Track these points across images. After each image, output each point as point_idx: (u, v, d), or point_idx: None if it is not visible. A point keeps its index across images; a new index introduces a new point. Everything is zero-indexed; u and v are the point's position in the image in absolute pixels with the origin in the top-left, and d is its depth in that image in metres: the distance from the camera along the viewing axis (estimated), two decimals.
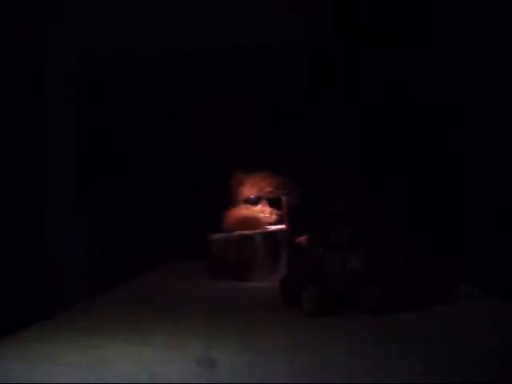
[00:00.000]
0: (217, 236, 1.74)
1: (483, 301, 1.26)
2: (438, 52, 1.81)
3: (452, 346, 0.94)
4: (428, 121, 1.82)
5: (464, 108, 1.72)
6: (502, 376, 0.81)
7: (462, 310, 1.18)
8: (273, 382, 0.82)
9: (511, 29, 1.57)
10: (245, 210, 1.79)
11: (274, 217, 1.77)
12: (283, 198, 1.77)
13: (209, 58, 2.02)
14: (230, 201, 1.83)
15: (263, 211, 1.78)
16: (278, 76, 2.02)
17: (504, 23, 1.60)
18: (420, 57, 1.85)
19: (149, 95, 2.04)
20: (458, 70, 1.75)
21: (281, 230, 1.75)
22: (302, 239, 1.53)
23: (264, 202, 1.78)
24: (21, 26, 1.54)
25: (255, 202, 1.78)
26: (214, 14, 1.94)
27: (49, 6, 1.65)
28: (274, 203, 1.79)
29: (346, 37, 1.95)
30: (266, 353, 0.94)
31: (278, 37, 1.97)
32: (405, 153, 1.83)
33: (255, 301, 1.38)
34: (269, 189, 1.79)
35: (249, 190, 1.80)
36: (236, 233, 1.74)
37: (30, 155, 1.49)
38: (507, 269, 1.42)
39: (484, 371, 0.82)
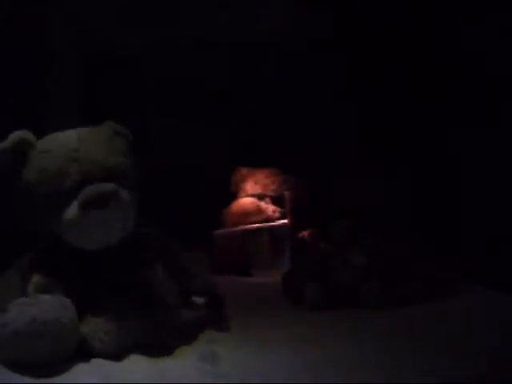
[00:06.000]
0: (220, 231, 1.75)
1: (485, 296, 1.26)
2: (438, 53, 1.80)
3: (452, 344, 0.95)
4: (428, 120, 1.82)
5: (463, 107, 1.72)
6: (501, 375, 0.81)
7: (463, 307, 1.18)
8: (273, 378, 0.82)
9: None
10: (247, 201, 1.79)
11: (277, 214, 1.77)
12: (286, 194, 1.78)
13: (208, 54, 2.01)
14: (232, 197, 1.83)
15: (266, 209, 1.78)
16: (281, 73, 2.02)
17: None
18: (420, 56, 1.84)
19: (150, 90, 2.04)
20: (457, 70, 1.74)
21: (283, 225, 1.75)
22: (305, 234, 1.53)
23: (267, 199, 1.78)
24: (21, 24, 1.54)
25: (258, 199, 1.78)
26: (214, 10, 1.93)
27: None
28: (277, 201, 1.79)
29: (347, 36, 1.95)
30: (267, 348, 0.94)
31: (280, 35, 1.96)
32: (405, 152, 1.83)
33: (257, 295, 1.39)
34: (273, 186, 1.79)
35: (252, 187, 1.80)
36: (239, 228, 1.74)
37: None
38: (509, 264, 1.42)
39: (484, 370, 0.82)
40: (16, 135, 0.96)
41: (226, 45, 1.99)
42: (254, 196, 1.79)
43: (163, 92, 2.02)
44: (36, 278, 0.91)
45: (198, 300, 1.05)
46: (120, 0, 1.86)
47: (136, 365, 0.83)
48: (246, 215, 1.77)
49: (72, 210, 0.88)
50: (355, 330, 1.06)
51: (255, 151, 1.95)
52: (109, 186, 0.89)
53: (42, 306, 0.82)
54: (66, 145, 0.93)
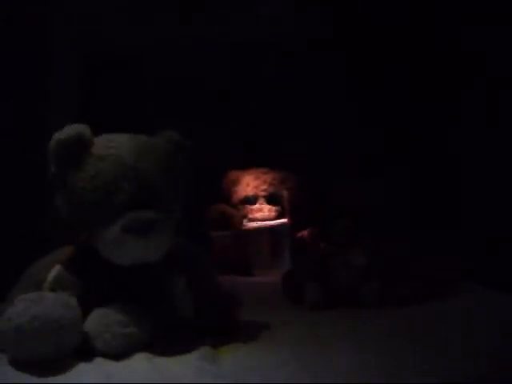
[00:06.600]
0: (219, 231, 1.75)
1: (485, 296, 1.26)
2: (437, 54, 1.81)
3: (452, 344, 0.95)
4: (428, 120, 1.82)
5: (463, 107, 1.72)
6: (501, 375, 0.81)
7: (463, 307, 1.18)
8: (273, 378, 0.82)
9: None
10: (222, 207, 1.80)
11: (273, 213, 1.77)
12: (284, 193, 1.78)
13: (209, 54, 2.01)
14: (225, 201, 1.84)
15: (261, 209, 1.78)
16: (281, 73, 2.02)
17: None
18: (420, 56, 1.84)
19: (150, 90, 2.04)
20: (457, 70, 1.74)
21: (282, 224, 1.75)
22: (305, 234, 1.53)
23: (261, 200, 1.78)
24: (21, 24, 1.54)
25: (253, 200, 1.78)
26: (214, 10, 1.93)
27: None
28: (274, 199, 1.79)
29: (347, 36, 1.95)
30: (267, 348, 0.94)
31: (280, 35, 1.96)
32: (405, 152, 1.83)
33: (257, 295, 1.39)
34: (264, 186, 1.79)
35: (244, 190, 1.80)
36: (239, 228, 1.74)
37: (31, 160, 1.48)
38: (509, 264, 1.42)
39: (484, 370, 0.82)
40: (72, 128, 0.92)
41: (226, 45, 1.98)
42: (247, 199, 1.79)
43: (163, 92, 2.02)
44: (58, 269, 0.92)
45: None
46: (120, 0, 1.86)
47: (136, 364, 0.83)
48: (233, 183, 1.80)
49: (113, 230, 0.88)
50: (355, 330, 1.06)
51: (255, 151, 1.95)
52: (152, 216, 0.88)
53: (45, 303, 0.82)
54: (123, 158, 0.90)
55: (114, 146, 0.92)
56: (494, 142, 1.58)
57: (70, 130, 0.91)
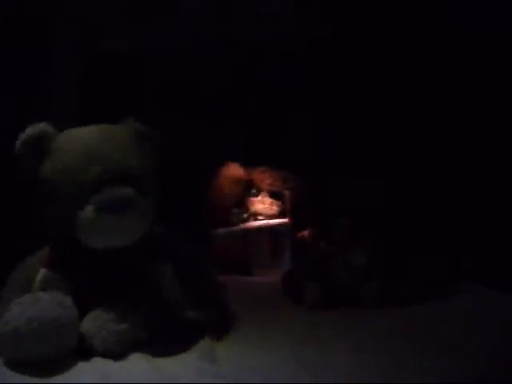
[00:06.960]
0: (220, 230, 1.75)
1: (485, 296, 1.26)
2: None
3: (452, 344, 0.95)
4: (428, 120, 1.82)
5: (463, 107, 1.72)
6: (501, 375, 0.81)
7: (463, 307, 1.18)
8: (273, 378, 0.82)
9: None
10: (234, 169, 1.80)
11: (275, 208, 1.77)
12: (286, 192, 1.78)
13: (209, 54, 2.01)
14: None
15: (263, 202, 1.78)
16: (281, 73, 2.02)
17: None
18: (420, 56, 1.84)
19: (150, 90, 2.04)
20: (457, 70, 1.74)
21: (283, 224, 1.75)
22: (305, 234, 1.53)
23: (264, 193, 1.78)
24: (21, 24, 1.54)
25: (256, 194, 1.79)
26: (214, 10, 1.93)
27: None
28: (276, 196, 1.79)
29: (347, 36, 1.95)
30: (267, 348, 0.95)
31: (280, 35, 1.96)
32: (405, 152, 1.83)
33: (257, 295, 1.39)
34: (269, 181, 1.79)
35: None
36: (239, 227, 1.74)
37: None
38: (509, 264, 1.42)
39: (484, 370, 0.82)
40: (35, 127, 0.95)
41: (226, 45, 1.98)
42: (250, 192, 1.79)
43: (163, 92, 2.02)
44: (44, 272, 0.92)
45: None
46: (120, 0, 1.86)
47: (135, 364, 0.83)
48: (237, 183, 1.79)
49: (88, 211, 0.88)
50: (355, 330, 1.06)
51: (255, 151, 1.95)
52: (126, 193, 0.90)
53: (40, 304, 0.83)
54: (88, 144, 0.92)
55: (76, 135, 0.95)
56: (494, 142, 1.58)
57: (32, 129, 0.95)
